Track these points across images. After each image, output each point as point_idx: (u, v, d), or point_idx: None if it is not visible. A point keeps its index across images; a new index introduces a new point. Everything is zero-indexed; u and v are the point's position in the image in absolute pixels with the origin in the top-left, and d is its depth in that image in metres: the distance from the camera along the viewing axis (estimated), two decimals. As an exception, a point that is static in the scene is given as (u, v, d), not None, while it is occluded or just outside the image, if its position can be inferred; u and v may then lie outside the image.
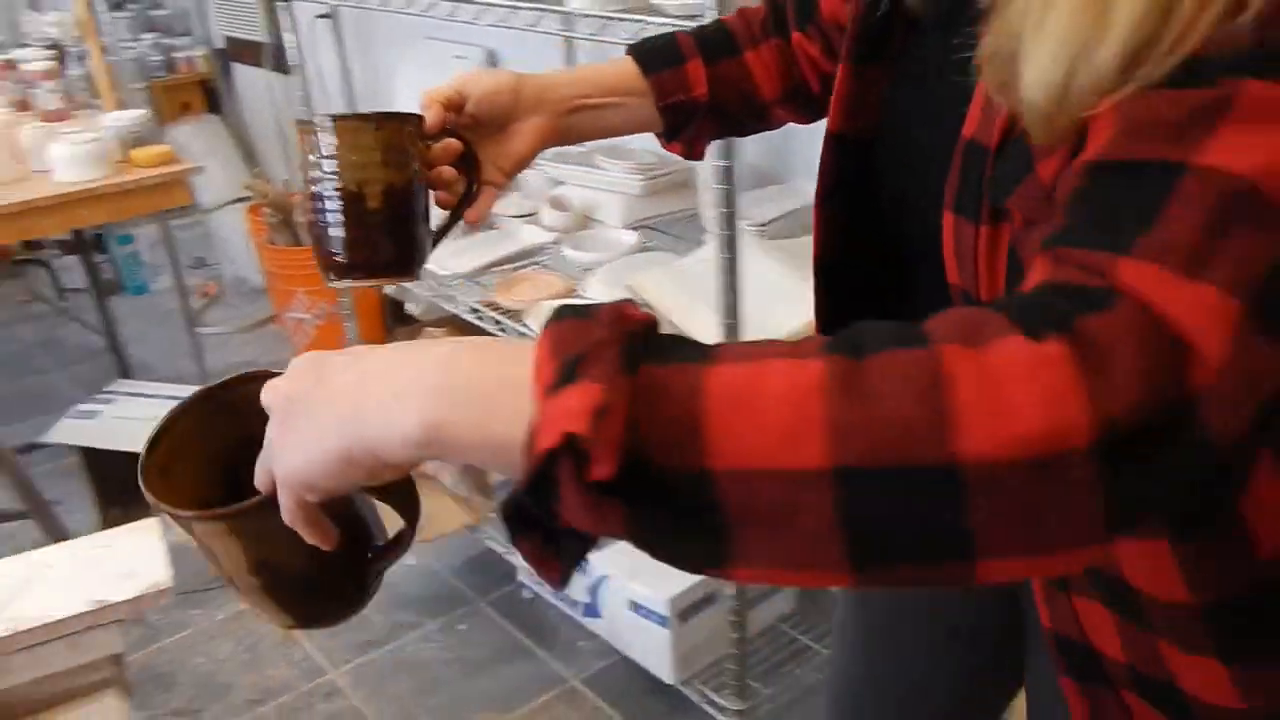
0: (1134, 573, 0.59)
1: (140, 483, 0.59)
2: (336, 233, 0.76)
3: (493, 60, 2.71)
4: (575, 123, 0.89)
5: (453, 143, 0.84)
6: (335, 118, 0.76)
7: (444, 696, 2.06)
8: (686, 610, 1.80)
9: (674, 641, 1.78)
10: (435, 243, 0.84)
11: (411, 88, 2.98)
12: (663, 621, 1.78)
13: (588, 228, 2.03)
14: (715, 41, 0.93)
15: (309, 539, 0.54)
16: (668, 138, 0.95)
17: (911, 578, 0.42)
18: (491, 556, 2.44)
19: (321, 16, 3.30)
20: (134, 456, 0.61)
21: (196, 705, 2.08)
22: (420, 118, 0.81)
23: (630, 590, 1.82)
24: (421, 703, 2.04)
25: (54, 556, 1.21)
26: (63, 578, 1.18)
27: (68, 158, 2.38)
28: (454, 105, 0.85)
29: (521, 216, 1.99)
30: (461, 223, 0.87)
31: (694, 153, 0.97)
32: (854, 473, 0.39)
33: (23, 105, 2.91)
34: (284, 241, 3.28)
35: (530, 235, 1.94)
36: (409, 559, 2.53)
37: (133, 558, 1.21)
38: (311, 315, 3.32)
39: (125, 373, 2.94)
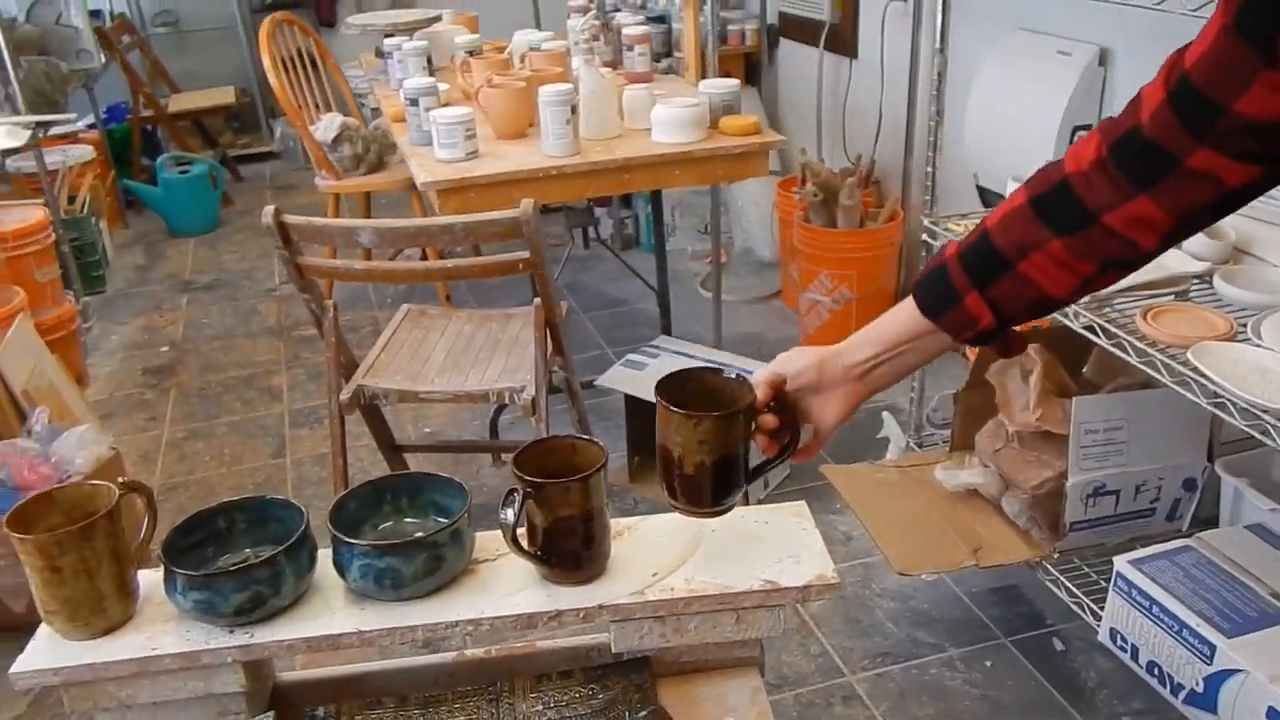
0: None
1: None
2: (671, 475, 1.05)
3: (1104, 60, 2.46)
4: (877, 378, 1.01)
5: (769, 418, 1.03)
6: (668, 403, 1.01)
7: (971, 734, 1.92)
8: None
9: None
10: (750, 480, 1.07)
11: (991, 86, 2.79)
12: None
13: (1240, 262, 1.77)
14: (981, 258, 0.92)
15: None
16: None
17: None
18: (1015, 592, 2.26)
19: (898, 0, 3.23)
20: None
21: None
22: (750, 407, 1.00)
23: (1276, 695, 1.54)
24: (948, 734, 1.92)
25: (715, 521, 1.20)
26: (726, 547, 1.18)
27: (668, 121, 2.47)
28: (776, 385, 1.01)
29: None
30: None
31: (1013, 351, 1.00)
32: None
33: (612, 64, 3.10)
34: (820, 222, 3.27)
35: (1174, 261, 1.72)
36: (929, 576, 2.34)
37: (798, 545, 1.18)
38: (830, 299, 3.29)
39: (666, 329, 3.06)
